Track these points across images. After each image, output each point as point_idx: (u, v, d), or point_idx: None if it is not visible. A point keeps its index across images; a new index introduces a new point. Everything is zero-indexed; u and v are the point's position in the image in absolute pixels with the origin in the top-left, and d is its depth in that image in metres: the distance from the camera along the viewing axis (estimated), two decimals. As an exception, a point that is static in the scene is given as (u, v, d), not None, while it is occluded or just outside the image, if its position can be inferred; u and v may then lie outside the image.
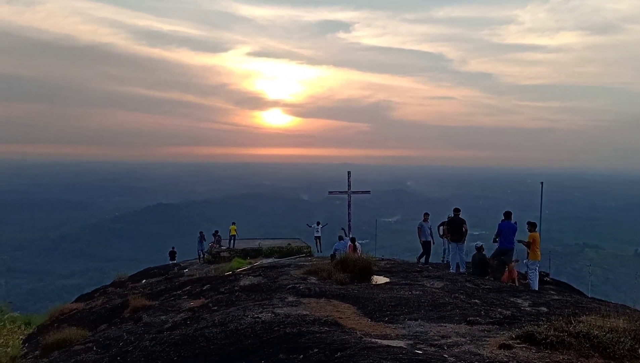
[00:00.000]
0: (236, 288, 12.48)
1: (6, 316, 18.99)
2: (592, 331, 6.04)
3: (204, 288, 13.78)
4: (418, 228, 18.34)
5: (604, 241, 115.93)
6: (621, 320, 6.40)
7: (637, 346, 5.71)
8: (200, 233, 31.31)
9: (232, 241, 32.04)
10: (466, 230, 16.16)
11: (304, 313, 8.59)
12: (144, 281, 22.75)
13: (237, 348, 6.84)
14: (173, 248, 32.64)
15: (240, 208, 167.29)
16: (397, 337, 7.02)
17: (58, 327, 12.72)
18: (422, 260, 18.55)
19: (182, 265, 29.36)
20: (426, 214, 18.48)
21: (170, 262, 31.25)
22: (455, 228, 16.32)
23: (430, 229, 18.49)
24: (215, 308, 10.36)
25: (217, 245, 31.76)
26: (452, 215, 16.69)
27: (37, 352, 10.62)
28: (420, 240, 18.56)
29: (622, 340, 5.77)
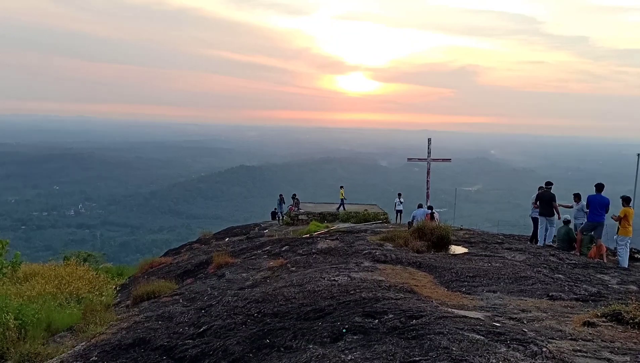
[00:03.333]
0: (313, 250, 12.76)
1: (101, 266, 20.64)
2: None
3: (283, 249, 14.20)
4: (533, 202, 16.40)
5: None
6: None
7: None
8: (280, 195, 32.07)
9: (341, 205, 32.93)
10: (556, 207, 15.25)
11: (380, 278, 8.67)
12: (227, 239, 23.76)
13: (314, 308, 7.04)
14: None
15: (319, 172, 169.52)
16: (474, 308, 6.94)
17: (147, 279, 13.64)
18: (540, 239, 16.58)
19: (262, 225, 30.32)
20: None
21: (276, 210, 31.85)
22: (545, 203, 15.57)
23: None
24: (294, 269, 10.66)
25: (296, 208, 32.45)
26: (544, 188, 15.88)
27: (128, 301, 11.46)
28: (530, 215, 16.67)
29: None
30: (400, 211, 29.72)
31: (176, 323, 7.88)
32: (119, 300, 12.58)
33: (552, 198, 15.45)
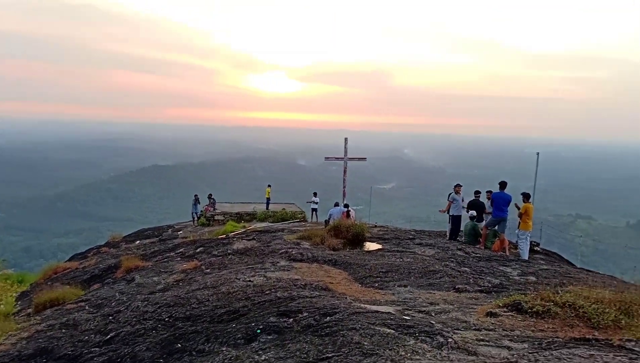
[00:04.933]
0: (229, 251, 12.57)
1: (0, 273, 19.15)
2: (577, 301, 6.13)
3: (197, 250, 13.88)
4: (449, 201, 16.84)
5: (597, 213, 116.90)
6: (607, 291, 6.48)
7: (621, 317, 5.80)
8: (195, 196, 31.36)
9: (267, 203, 33.11)
10: (488, 213, 15.86)
11: (296, 277, 8.68)
12: (137, 242, 22.88)
13: (228, 310, 6.93)
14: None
15: (237, 171, 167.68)
16: (386, 303, 7.11)
17: (51, 285, 12.82)
18: (453, 235, 17.16)
19: (176, 227, 29.50)
20: (458, 186, 16.78)
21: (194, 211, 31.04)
22: (474, 209, 16.28)
23: (462, 200, 17.08)
24: (208, 270, 10.45)
25: (212, 208, 31.86)
26: (473, 198, 16.62)
27: (29, 309, 10.73)
28: (449, 214, 16.81)
29: (607, 310, 5.86)
30: (315, 210, 30.03)
31: (81, 331, 7.46)
32: (19, 308, 11.73)
33: (483, 206, 16.19)
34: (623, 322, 5.69)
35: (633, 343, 4.96)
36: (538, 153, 19.14)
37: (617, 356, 4.47)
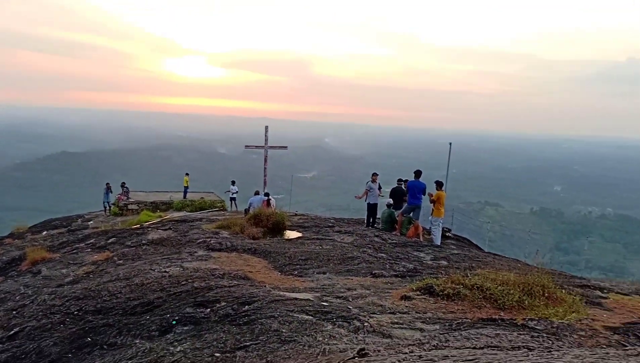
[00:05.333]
0: (144, 241, 12.15)
1: None
2: (485, 284, 6.47)
3: (109, 241, 13.31)
4: (366, 190, 17.16)
5: (504, 200, 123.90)
6: (512, 274, 6.88)
7: (524, 298, 6.18)
8: (107, 184, 29.98)
9: (185, 192, 31.94)
10: (406, 201, 16.24)
11: (214, 267, 8.54)
12: (44, 232, 21.59)
13: (142, 302, 6.70)
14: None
15: (153, 159, 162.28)
16: (305, 290, 7.15)
17: (-54, 282, 11.83)
18: (371, 221, 17.52)
19: (86, 216, 28.10)
20: (375, 175, 17.05)
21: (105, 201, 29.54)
22: (397, 198, 16.63)
23: (379, 190, 17.49)
24: (121, 262, 10.05)
25: (125, 197, 30.63)
26: (397, 184, 16.99)
27: None
28: (366, 201, 16.97)
29: (511, 292, 6.23)
30: (234, 199, 29.68)
31: (-20, 330, 6.94)
32: None
33: (404, 193, 16.57)
34: (526, 302, 6.07)
35: (535, 322, 5.30)
36: (450, 144, 19.93)
37: (521, 335, 4.76)
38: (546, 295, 6.28)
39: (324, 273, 8.58)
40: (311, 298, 6.47)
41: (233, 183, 29.94)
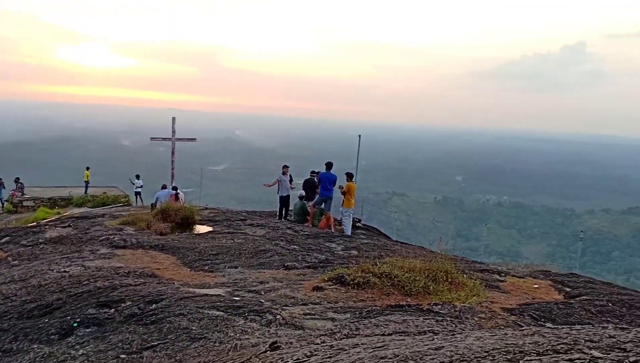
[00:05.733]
0: (41, 240, 11.37)
1: None
2: (393, 271, 6.67)
3: (2, 241, 12.31)
4: (277, 180, 16.96)
5: (410, 190, 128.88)
6: (418, 261, 7.14)
7: (429, 283, 6.45)
8: (-1, 179, 27.80)
9: (86, 187, 30.50)
10: (318, 192, 16.25)
11: (118, 265, 8.16)
12: None
13: (40, 304, 6.26)
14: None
15: (51, 152, 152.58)
16: (216, 286, 7.02)
17: None
18: (283, 214, 17.40)
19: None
20: (286, 167, 17.06)
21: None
22: (309, 189, 16.61)
23: (291, 182, 17.34)
24: (16, 262, 9.34)
25: (19, 193, 28.54)
26: (309, 177, 16.97)
27: None
28: (278, 194, 16.96)
29: (417, 278, 6.47)
30: (139, 193, 28.58)
31: None
32: None
33: (315, 185, 16.60)
34: (431, 287, 6.34)
35: (439, 306, 5.54)
36: (360, 136, 20.34)
37: (427, 319, 4.95)
38: (449, 280, 6.59)
39: (236, 267, 8.47)
40: (222, 294, 6.36)
41: (138, 176, 28.79)
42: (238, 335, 4.63)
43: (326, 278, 6.83)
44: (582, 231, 32.33)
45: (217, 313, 5.31)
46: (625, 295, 6.85)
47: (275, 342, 4.06)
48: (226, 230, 12.85)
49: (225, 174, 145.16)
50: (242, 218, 15.56)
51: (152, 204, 19.52)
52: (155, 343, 4.56)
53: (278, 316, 5.17)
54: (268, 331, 4.77)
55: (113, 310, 5.70)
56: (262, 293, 6.47)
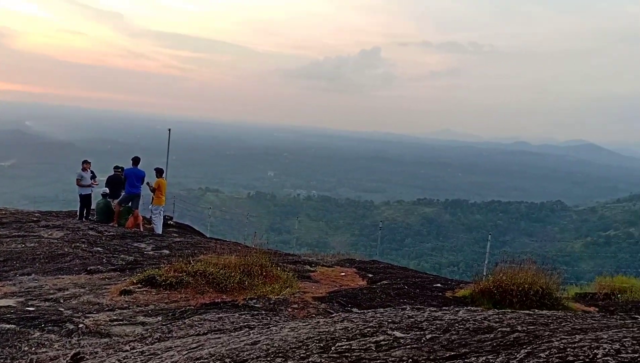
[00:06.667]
0: None
1: None
2: (208, 269, 6.57)
3: None
4: (77, 178, 15.11)
5: (224, 186, 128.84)
6: (233, 257, 7.13)
7: (245, 278, 6.49)
8: None
9: None
10: (124, 189, 15.02)
11: None
12: None
13: None
14: None
15: None
16: (5, 296, 6.20)
17: None
18: (85, 213, 15.65)
19: None
20: (86, 163, 15.49)
21: None
22: (114, 186, 15.22)
23: (93, 179, 15.61)
24: None
25: None
26: (113, 173, 15.51)
27: None
28: (78, 192, 15.40)
29: (232, 274, 6.46)
30: None
31: None
32: None
33: (121, 181, 15.33)
34: (246, 282, 6.38)
35: (255, 300, 5.60)
36: (170, 129, 19.65)
37: (242, 314, 4.97)
38: (264, 273, 6.71)
39: (29, 274, 7.56)
40: (13, 304, 5.63)
41: None
42: (34, 348, 4.14)
43: (135, 281, 6.46)
44: (381, 222, 35.61)
45: (7, 326, 4.69)
46: (418, 278, 7.70)
47: (78, 353, 3.72)
48: (16, 233, 11.40)
49: (14, 171, 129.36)
50: (35, 219, 13.94)
51: None
52: None
53: (81, 325, 4.74)
54: (69, 342, 4.34)
55: None
56: (62, 301, 5.87)
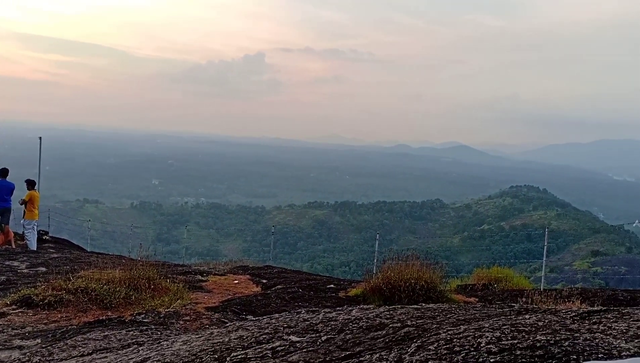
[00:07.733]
0: None
1: None
2: (90, 285, 6.19)
3: None
4: None
5: (104, 196, 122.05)
6: (118, 271, 6.78)
7: (131, 293, 6.18)
8: None
9: None
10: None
11: None
12: None
13: None
14: None
15: None
16: None
17: None
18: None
19: None
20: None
21: None
22: None
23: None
24: None
25: None
26: None
27: None
28: None
29: (118, 289, 6.14)
30: None
31: None
32: None
33: None
34: (133, 297, 6.09)
35: (143, 315, 5.36)
36: (40, 138, 18.30)
37: (130, 331, 4.73)
38: (152, 287, 6.44)
39: None
40: None
41: None
42: None
43: (9, 302, 5.92)
44: (273, 226, 35.69)
45: None
46: (312, 280, 7.81)
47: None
48: None
49: None
50: None
51: None
52: None
53: (-57, 358, 4.25)
54: None
55: None
56: None
